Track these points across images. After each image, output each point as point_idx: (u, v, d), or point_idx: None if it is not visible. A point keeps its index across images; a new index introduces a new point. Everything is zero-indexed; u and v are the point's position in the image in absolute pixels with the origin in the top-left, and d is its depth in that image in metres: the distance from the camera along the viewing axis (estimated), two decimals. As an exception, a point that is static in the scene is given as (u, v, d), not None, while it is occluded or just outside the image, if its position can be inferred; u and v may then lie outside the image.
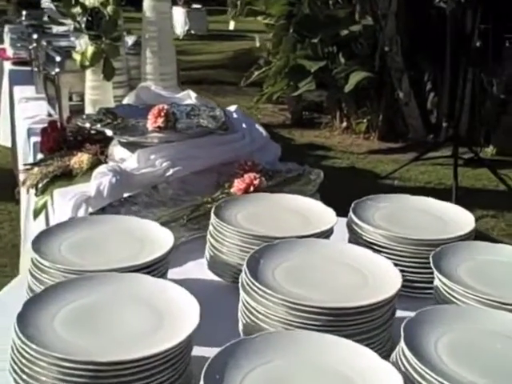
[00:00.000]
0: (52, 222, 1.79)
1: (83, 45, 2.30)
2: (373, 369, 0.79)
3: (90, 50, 2.07)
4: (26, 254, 2.48)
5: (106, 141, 2.07)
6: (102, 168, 1.68)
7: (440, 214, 1.33)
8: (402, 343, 0.83)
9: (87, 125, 1.96)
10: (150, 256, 1.08)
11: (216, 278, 1.29)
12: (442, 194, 4.07)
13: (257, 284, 0.98)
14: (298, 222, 1.27)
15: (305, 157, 4.11)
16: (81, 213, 1.54)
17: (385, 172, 4.24)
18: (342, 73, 4.59)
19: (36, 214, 1.80)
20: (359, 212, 1.30)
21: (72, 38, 2.84)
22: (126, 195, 1.66)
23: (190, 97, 2.29)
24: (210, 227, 1.30)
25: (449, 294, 1.04)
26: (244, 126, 2.06)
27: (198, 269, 1.34)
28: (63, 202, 1.68)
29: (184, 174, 1.80)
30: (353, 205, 1.32)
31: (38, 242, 1.11)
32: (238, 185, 1.73)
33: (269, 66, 4.49)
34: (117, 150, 1.94)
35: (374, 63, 4.71)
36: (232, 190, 1.73)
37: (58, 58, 2.40)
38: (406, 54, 4.58)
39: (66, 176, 1.88)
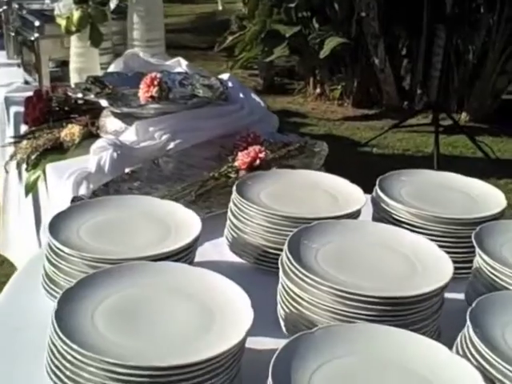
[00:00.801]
0: (47, 199, 1.69)
1: (62, 9, 2.17)
2: (447, 364, 0.75)
3: (76, 14, 1.94)
4: (6, 225, 2.36)
5: (95, 111, 1.97)
6: (100, 142, 1.58)
7: (466, 190, 1.28)
8: (473, 335, 0.79)
9: (79, 94, 1.84)
10: (179, 241, 1.01)
11: (236, 258, 1.23)
12: (421, 161, 4.06)
13: (303, 270, 0.92)
14: (325, 200, 1.21)
15: (281, 124, 4.03)
16: (82, 190, 1.45)
17: (363, 139, 4.20)
18: (317, 38, 4.50)
19: (28, 189, 1.70)
20: (385, 188, 1.24)
21: (47, 1, 2.69)
22: (127, 170, 1.58)
23: (180, 64, 2.19)
24: (232, 206, 1.23)
25: (494, 275, 1.00)
26: (241, 95, 1.98)
27: (215, 249, 1.27)
28: (59, 178, 1.59)
29: (185, 146, 1.72)
30: (378, 181, 1.27)
31: (55, 226, 1.03)
32: (242, 158, 1.66)
33: (243, 30, 4.37)
34: (110, 122, 1.84)
35: (349, 29, 4.63)
36: (237, 164, 1.66)
37: (37, 23, 2.26)
38: (382, 20, 4.51)
39: (57, 149, 1.77)
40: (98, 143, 1.57)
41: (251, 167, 1.66)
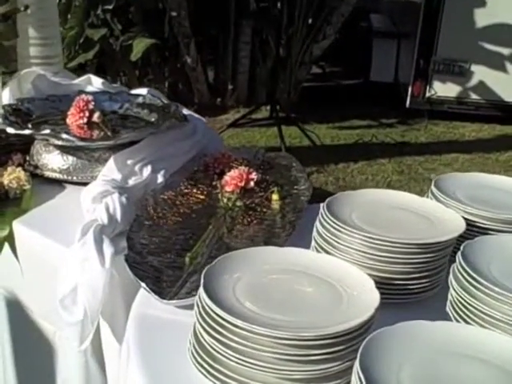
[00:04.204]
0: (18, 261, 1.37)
1: None
2: None
3: (-18, 32, 1.59)
4: None
5: (13, 147, 1.66)
6: (100, 185, 1.32)
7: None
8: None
9: (10, 130, 1.51)
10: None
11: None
12: (260, 156, 4.14)
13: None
14: (422, 223, 1.17)
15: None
16: (106, 245, 1.20)
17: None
18: (127, 41, 4.31)
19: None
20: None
21: None
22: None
23: (90, 82, 1.94)
24: (325, 234, 1.12)
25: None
26: (185, 112, 1.82)
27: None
28: (43, 235, 1.30)
29: (167, 176, 1.53)
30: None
31: (211, 294, 0.85)
32: (236, 182, 1.55)
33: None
34: (55, 158, 1.56)
35: (158, 29, 4.51)
36: (228, 189, 1.55)
37: None
38: (192, 19, 4.48)
39: (3, 200, 1.45)
40: (97, 187, 1.31)
41: (245, 190, 1.56)
